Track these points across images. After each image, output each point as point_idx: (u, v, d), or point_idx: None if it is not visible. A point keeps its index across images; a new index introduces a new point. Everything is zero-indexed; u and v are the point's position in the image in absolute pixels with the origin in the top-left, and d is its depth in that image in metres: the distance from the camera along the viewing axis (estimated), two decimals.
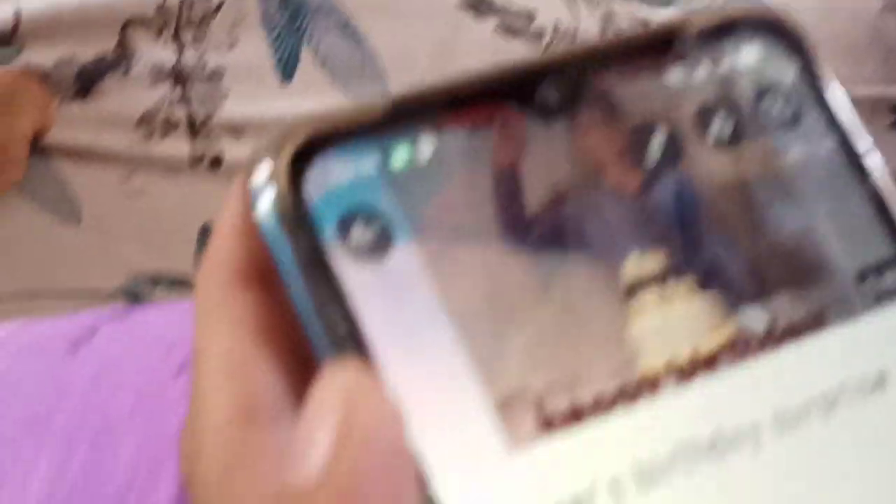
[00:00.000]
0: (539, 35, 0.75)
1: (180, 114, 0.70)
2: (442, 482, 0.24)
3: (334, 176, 0.26)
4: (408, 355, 0.25)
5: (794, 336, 0.27)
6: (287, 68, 0.71)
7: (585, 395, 0.26)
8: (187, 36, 0.71)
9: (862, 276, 0.28)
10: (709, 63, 0.29)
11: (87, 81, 0.69)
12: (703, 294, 0.27)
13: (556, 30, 0.75)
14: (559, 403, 0.25)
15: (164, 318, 0.50)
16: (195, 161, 0.69)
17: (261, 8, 0.72)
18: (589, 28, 0.75)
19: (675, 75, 0.28)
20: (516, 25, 0.75)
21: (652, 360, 0.26)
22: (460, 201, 0.27)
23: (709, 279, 0.27)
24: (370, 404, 0.23)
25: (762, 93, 0.29)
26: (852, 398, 0.27)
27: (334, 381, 0.23)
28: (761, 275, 0.28)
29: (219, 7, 0.72)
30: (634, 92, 0.28)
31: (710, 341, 0.27)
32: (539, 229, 0.27)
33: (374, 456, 0.22)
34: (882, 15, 0.76)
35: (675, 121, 0.28)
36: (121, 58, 0.70)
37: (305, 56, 0.72)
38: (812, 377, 0.27)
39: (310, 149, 0.25)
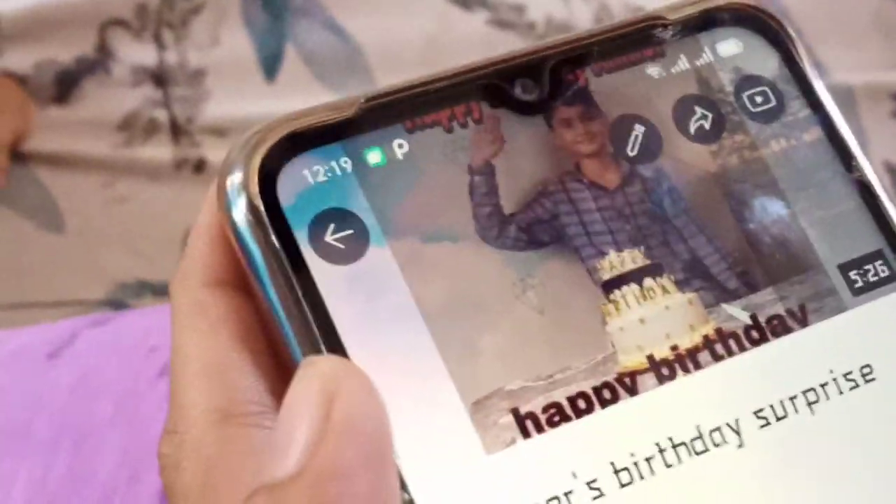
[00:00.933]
0: (531, 27, 0.73)
1: (162, 116, 0.68)
2: (418, 483, 0.24)
3: (307, 178, 0.25)
4: (381, 355, 0.25)
5: (776, 332, 0.27)
6: (271, 67, 0.70)
7: (563, 395, 0.25)
8: (168, 36, 0.70)
9: (845, 270, 0.28)
10: (688, 55, 0.28)
11: (66, 85, 0.68)
12: (682, 291, 0.27)
13: (549, 22, 0.74)
14: (536, 404, 0.25)
15: (144, 322, 0.50)
16: (179, 165, 0.68)
17: (243, 7, 0.71)
18: (582, 19, 0.74)
19: (653, 68, 0.28)
20: (507, 18, 0.73)
21: (631, 358, 0.26)
22: (435, 200, 0.26)
23: (689, 276, 0.27)
24: (349, 394, 0.22)
25: (742, 85, 0.29)
26: (837, 392, 0.27)
27: (311, 373, 0.23)
28: (742, 270, 0.27)
29: (200, 7, 0.70)
30: (612, 86, 0.28)
31: (690, 339, 0.26)
32: (516, 227, 0.27)
33: (353, 446, 0.21)
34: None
35: (654, 115, 0.28)
36: (101, 60, 0.69)
37: (289, 54, 0.71)
38: (795, 372, 0.27)
39: (282, 151, 0.25)
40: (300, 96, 0.69)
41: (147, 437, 0.45)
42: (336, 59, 0.71)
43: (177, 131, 0.68)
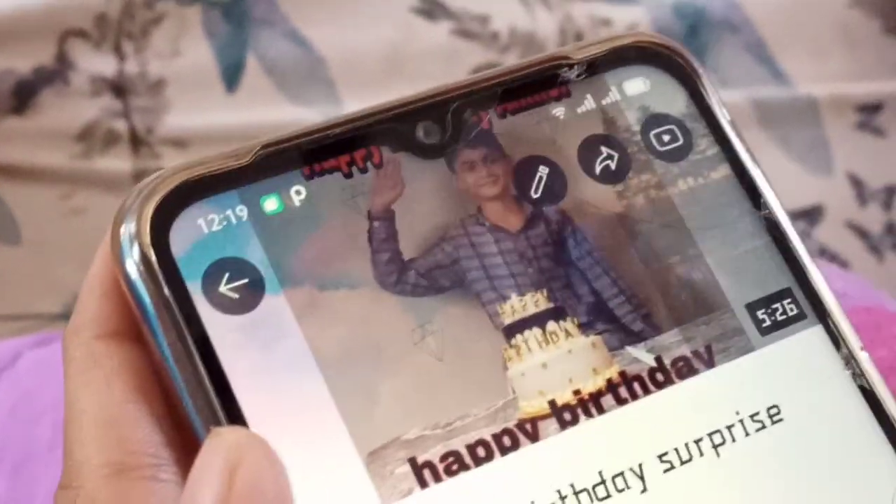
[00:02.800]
0: (494, 37, 0.73)
1: (122, 127, 0.68)
2: None
3: (201, 227, 0.25)
4: (276, 406, 0.24)
5: (681, 374, 0.27)
6: (232, 77, 0.70)
7: (461, 443, 0.25)
8: (128, 46, 0.69)
9: (753, 309, 0.27)
10: (593, 95, 0.28)
11: (24, 95, 0.67)
12: (586, 334, 0.27)
13: (512, 32, 0.73)
14: (434, 453, 0.25)
15: None
16: (138, 176, 0.68)
17: (204, 17, 0.70)
18: (546, 30, 0.74)
19: (558, 109, 0.28)
20: (471, 29, 0.73)
21: (532, 403, 0.26)
22: (333, 247, 0.26)
23: (592, 319, 0.27)
24: (252, 463, 0.22)
25: (649, 123, 0.28)
26: (744, 434, 0.26)
27: (216, 444, 0.23)
28: (648, 312, 0.27)
29: (161, 17, 0.70)
30: (516, 127, 0.28)
31: (593, 383, 0.26)
32: (415, 273, 0.26)
33: None
34: (848, 9, 0.75)
35: (559, 156, 0.28)
36: (59, 70, 0.68)
37: (251, 64, 0.70)
38: (701, 415, 0.26)
39: (176, 200, 0.25)
40: (261, 107, 0.69)
41: None
42: (298, 70, 0.70)
43: (136, 142, 0.68)
